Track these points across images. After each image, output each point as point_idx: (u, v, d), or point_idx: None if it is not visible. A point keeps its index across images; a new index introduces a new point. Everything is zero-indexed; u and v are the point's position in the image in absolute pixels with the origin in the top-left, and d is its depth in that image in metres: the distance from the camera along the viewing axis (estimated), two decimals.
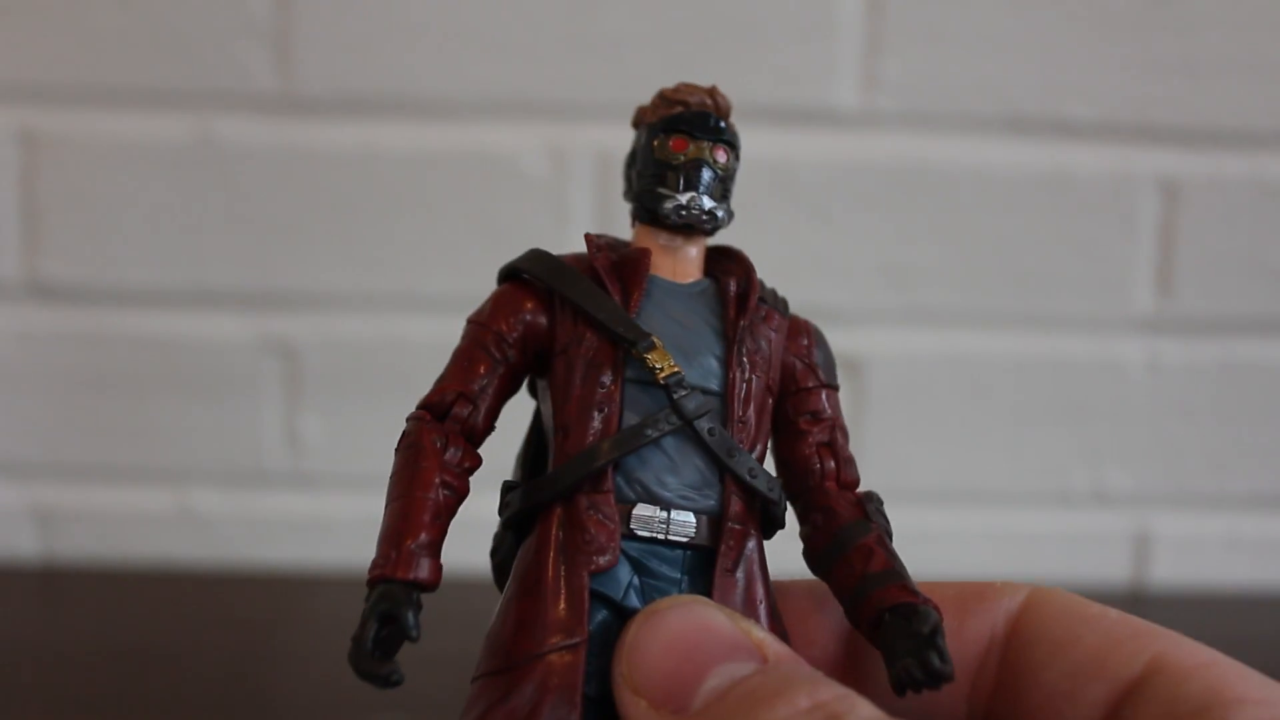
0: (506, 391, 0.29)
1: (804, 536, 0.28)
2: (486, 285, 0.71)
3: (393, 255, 0.62)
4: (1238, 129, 0.63)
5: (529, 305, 0.28)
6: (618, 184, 0.62)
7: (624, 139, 0.62)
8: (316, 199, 0.62)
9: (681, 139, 0.29)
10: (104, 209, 0.62)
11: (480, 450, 0.29)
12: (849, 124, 0.62)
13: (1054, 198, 0.63)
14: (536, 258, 0.29)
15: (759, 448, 0.28)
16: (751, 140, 0.62)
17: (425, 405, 0.28)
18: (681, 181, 0.29)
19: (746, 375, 0.28)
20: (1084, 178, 0.63)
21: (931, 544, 0.66)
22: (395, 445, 0.27)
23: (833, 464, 0.28)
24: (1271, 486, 0.66)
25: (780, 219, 0.62)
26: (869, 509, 0.28)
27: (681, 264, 0.29)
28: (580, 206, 0.62)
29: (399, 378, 0.63)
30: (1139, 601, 0.65)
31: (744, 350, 0.28)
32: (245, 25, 0.60)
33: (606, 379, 0.27)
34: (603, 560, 0.26)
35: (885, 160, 0.62)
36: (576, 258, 0.29)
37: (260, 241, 0.62)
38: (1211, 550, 0.67)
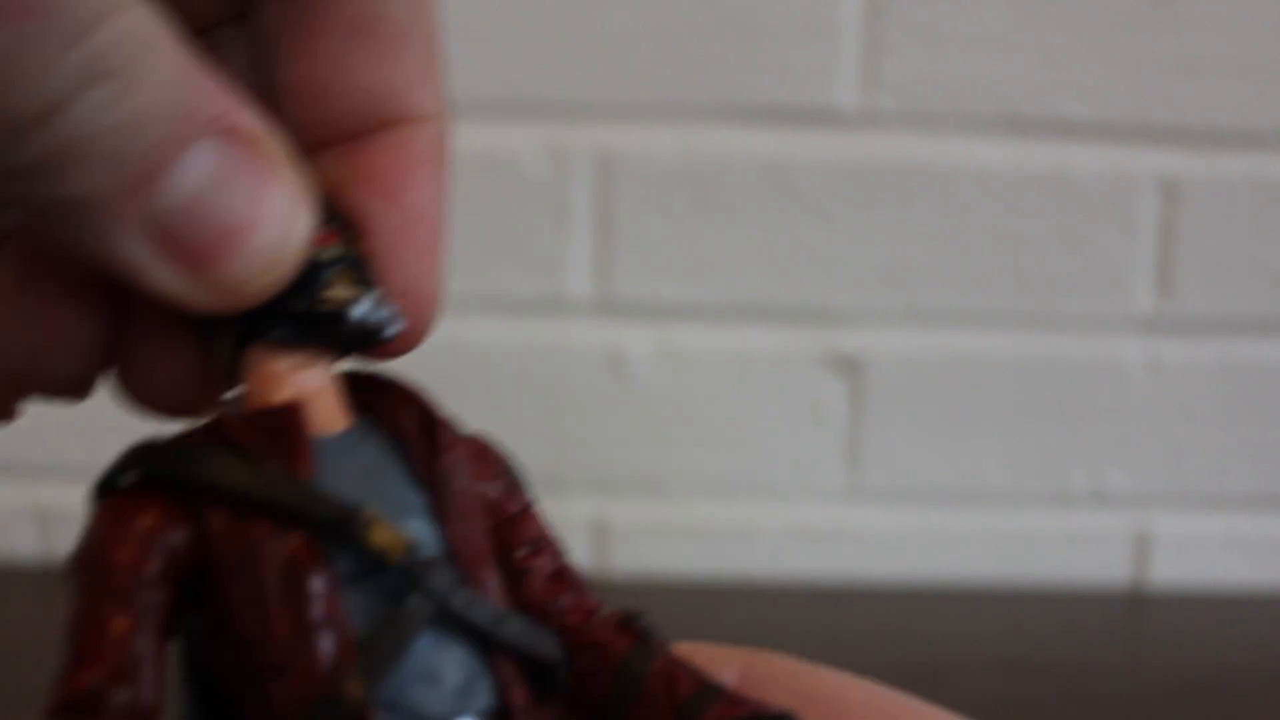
0: (165, 650, 0.20)
1: (572, 689, 0.22)
2: (486, 285, 0.71)
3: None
4: (1238, 129, 0.63)
5: (155, 520, 0.19)
6: (618, 184, 0.62)
7: (624, 139, 0.62)
8: None
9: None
10: None
11: None
12: (849, 124, 0.62)
13: (1054, 198, 0.63)
14: (143, 450, 0.20)
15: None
16: (751, 140, 0.62)
17: (64, 704, 0.19)
18: (355, 277, 0.21)
19: (466, 526, 0.21)
20: (1084, 178, 0.63)
21: (931, 544, 0.65)
22: None
23: (571, 595, 0.22)
24: (1271, 486, 0.66)
25: (780, 219, 0.62)
26: (638, 628, 0.22)
27: (328, 406, 0.21)
28: (580, 207, 0.62)
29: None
30: (1139, 601, 0.65)
31: (451, 494, 0.21)
32: None
33: (317, 586, 0.19)
34: None
35: (885, 160, 0.62)
36: (200, 432, 0.21)
37: None
38: (1211, 550, 0.67)
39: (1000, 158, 0.63)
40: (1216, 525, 0.67)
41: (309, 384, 0.21)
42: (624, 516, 0.64)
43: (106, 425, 0.68)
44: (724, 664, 0.23)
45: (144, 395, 0.22)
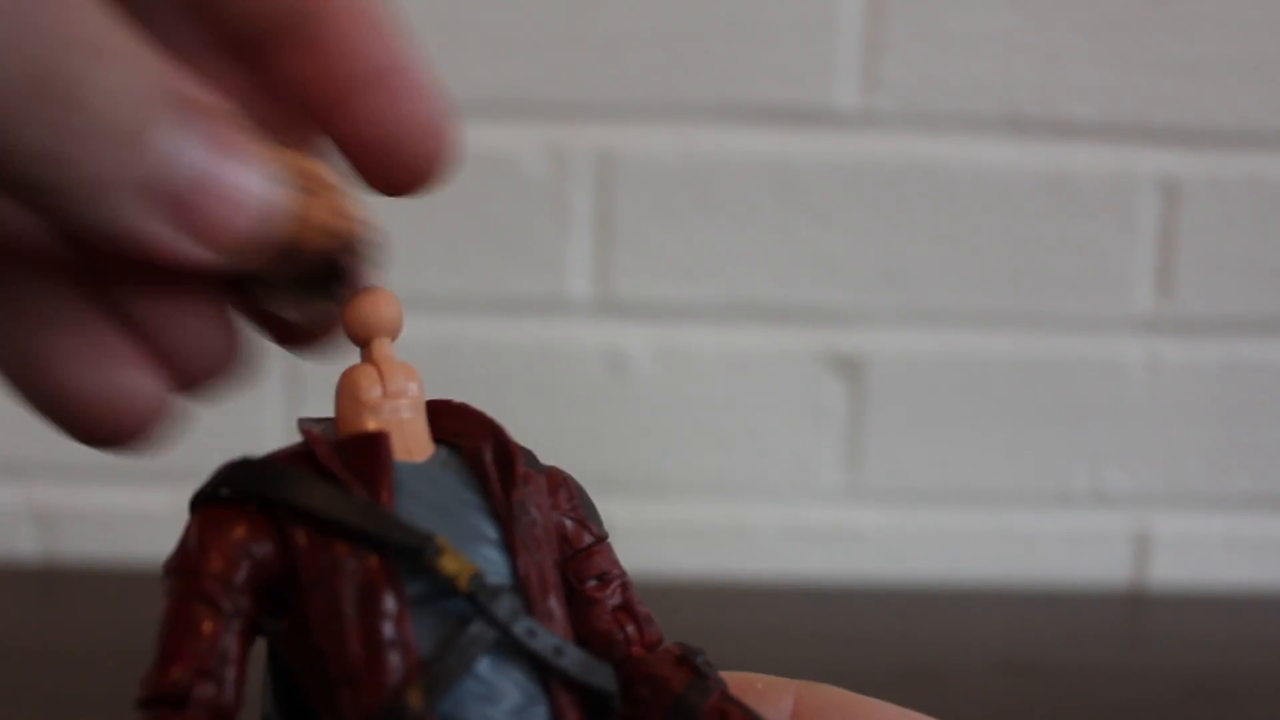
0: (247, 652, 0.21)
1: (630, 717, 0.23)
2: (486, 285, 0.71)
3: (393, 255, 0.62)
4: (1238, 129, 0.63)
5: (245, 533, 0.21)
6: (618, 184, 0.62)
7: (624, 139, 0.62)
8: None
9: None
10: None
11: None
12: (849, 124, 0.62)
13: (1054, 198, 0.63)
14: (239, 468, 0.22)
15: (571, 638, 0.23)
16: (751, 140, 0.62)
17: (153, 696, 0.20)
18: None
19: (536, 557, 0.22)
20: (1084, 178, 0.63)
21: (931, 544, 0.66)
22: None
23: (634, 628, 0.24)
24: (1271, 486, 0.66)
25: (780, 219, 0.62)
26: (698, 664, 0.23)
27: (415, 434, 0.23)
28: (580, 207, 0.62)
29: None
30: (1139, 601, 0.66)
31: (523, 527, 0.22)
32: None
33: (389, 605, 0.20)
34: None
35: (885, 160, 0.62)
36: (289, 455, 0.22)
37: None
38: (1211, 550, 0.67)
39: (1000, 158, 0.63)
40: (1216, 525, 0.67)
41: (396, 414, 0.23)
42: (624, 516, 0.64)
43: None
44: (779, 694, 0.24)
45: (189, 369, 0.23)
